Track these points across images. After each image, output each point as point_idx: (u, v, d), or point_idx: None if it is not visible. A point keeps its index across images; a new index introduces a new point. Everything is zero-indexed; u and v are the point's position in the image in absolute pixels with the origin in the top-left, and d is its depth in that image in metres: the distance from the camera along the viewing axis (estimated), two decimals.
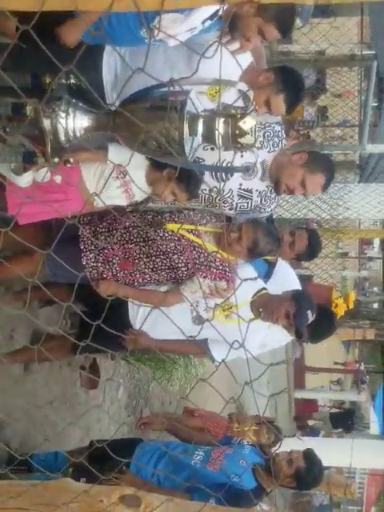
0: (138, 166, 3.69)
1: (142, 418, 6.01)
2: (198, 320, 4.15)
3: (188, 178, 3.62)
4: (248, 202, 4.17)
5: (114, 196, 3.75)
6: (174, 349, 4.80)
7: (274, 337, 4.53)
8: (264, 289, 4.30)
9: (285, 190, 4.14)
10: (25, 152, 2.99)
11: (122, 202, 3.78)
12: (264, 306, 4.20)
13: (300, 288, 4.69)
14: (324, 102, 10.94)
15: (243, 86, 3.69)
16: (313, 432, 16.61)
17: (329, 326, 4.78)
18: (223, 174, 4.04)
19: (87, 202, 3.74)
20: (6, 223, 3.82)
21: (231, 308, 4.09)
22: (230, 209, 4.18)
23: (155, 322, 4.21)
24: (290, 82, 3.94)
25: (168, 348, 4.66)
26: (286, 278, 4.71)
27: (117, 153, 3.53)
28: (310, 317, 4.18)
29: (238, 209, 4.17)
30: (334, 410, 19.12)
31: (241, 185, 4.10)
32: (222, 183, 4.04)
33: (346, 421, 16.68)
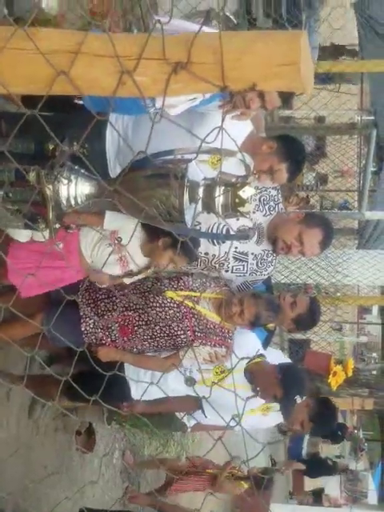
0: (133, 237, 3.71)
1: (127, 492, 6.04)
2: (190, 381, 4.14)
3: (185, 243, 3.65)
4: (244, 265, 4.17)
5: (108, 263, 3.78)
6: (170, 408, 4.78)
7: (264, 421, 4.53)
8: (261, 355, 4.28)
9: (282, 247, 4.11)
10: (27, 217, 3.02)
11: (117, 270, 3.78)
12: (255, 379, 4.21)
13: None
14: (325, 170, 11.05)
15: (243, 156, 3.74)
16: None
17: (332, 420, 4.83)
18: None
19: (86, 270, 3.77)
20: (3, 286, 3.86)
21: (224, 372, 4.08)
22: (226, 271, 4.18)
23: (150, 379, 4.23)
24: (292, 152, 4.00)
25: (163, 408, 4.64)
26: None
27: (112, 220, 3.56)
28: (299, 400, 4.22)
29: (233, 271, 4.18)
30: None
31: (236, 248, 4.11)
32: (218, 246, 4.06)
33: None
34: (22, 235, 3.37)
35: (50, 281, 3.67)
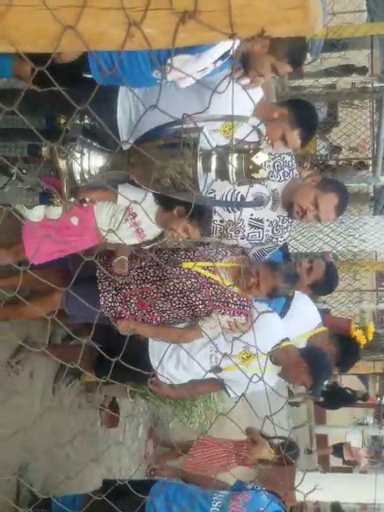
0: (147, 209, 3.73)
1: (150, 465, 6.09)
2: (216, 370, 4.16)
3: (199, 213, 3.65)
4: (259, 232, 4.18)
5: (125, 236, 3.79)
6: (194, 391, 4.83)
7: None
8: (286, 339, 4.28)
9: (298, 211, 4.11)
10: (41, 193, 3.03)
11: (134, 241, 3.81)
12: (282, 367, 4.23)
13: (320, 322, 4.72)
14: (338, 139, 10.97)
15: (255, 121, 3.73)
16: None
17: (354, 355, 4.85)
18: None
19: (100, 239, 3.80)
20: (24, 263, 3.89)
21: (250, 357, 4.10)
22: (242, 238, 4.18)
23: (176, 367, 4.25)
24: (304, 117, 3.99)
25: (188, 391, 4.68)
26: (304, 312, 4.71)
27: (126, 194, 3.58)
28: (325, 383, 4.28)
29: (249, 238, 4.18)
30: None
31: (252, 215, 4.11)
32: (233, 213, 4.06)
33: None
34: (34, 216, 3.38)
35: (65, 250, 3.71)
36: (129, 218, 3.77)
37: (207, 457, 6.12)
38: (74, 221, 3.71)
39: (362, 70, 11.51)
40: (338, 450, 16.87)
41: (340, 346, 4.66)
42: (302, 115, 4.01)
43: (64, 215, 3.42)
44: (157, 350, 4.32)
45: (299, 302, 4.68)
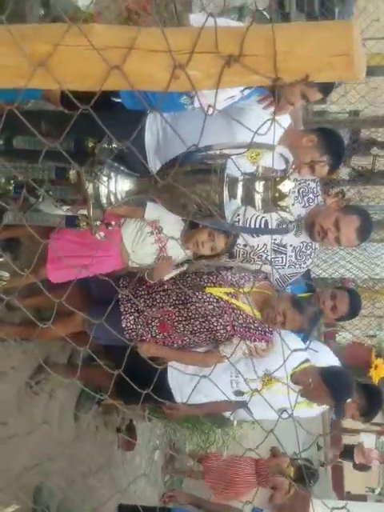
0: (173, 223, 3.75)
1: (166, 492, 6.04)
2: (238, 393, 4.15)
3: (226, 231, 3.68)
4: (283, 257, 4.17)
5: (148, 253, 3.80)
6: (210, 410, 4.80)
7: (310, 412, 4.54)
8: (307, 360, 4.26)
9: (319, 231, 4.08)
10: (67, 216, 3.04)
11: (155, 261, 3.82)
12: (303, 386, 4.21)
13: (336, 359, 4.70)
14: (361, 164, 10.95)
15: (282, 150, 3.73)
16: None
17: (379, 404, 4.82)
18: None
19: (124, 260, 3.81)
20: (43, 284, 3.89)
21: (271, 380, 4.08)
22: (265, 263, 4.17)
23: (196, 391, 4.23)
24: (333, 145, 3.98)
25: (204, 411, 4.66)
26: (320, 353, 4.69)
27: (153, 209, 3.60)
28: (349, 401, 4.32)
29: (272, 264, 4.17)
30: None
31: (275, 239, 4.11)
32: (257, 238, 4.06)
33: None
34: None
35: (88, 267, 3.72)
36: (154, 232, 3.80)
37: (228, 470, 6.10)
38: (100, 235, 3.72)
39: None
40: (349, 452, 16.50)
41: (364, 396, 4.62)
42: (331, 143, 4.00)
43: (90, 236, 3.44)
44: (176, 375, 4.31)
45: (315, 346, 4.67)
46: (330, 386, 4.12)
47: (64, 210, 3.06)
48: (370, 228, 4.27)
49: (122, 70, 1.63)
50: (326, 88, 3.62)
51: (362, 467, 16.30)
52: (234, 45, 1.56)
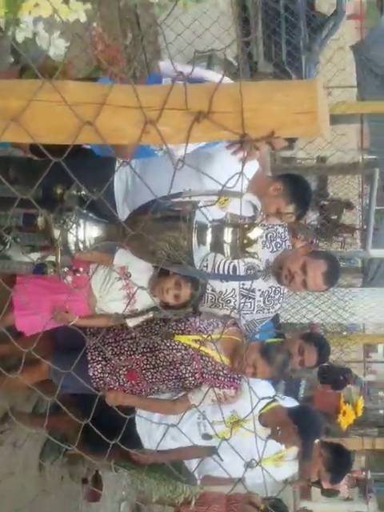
0: (142, 270, 3.75)
1: None
2: (206, 437, 4.12)
3: (194, 279, 3.68)
4: (251, 302, 4.18)
5: (116, 298, 3.78)
6: (179, 457, 4.74)
7: (277, 473, 4.48)
8: (274, 400, 4.25)
9: (286, 275, 4.10)
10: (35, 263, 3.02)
11: (122, 308, 3.79)
12: (271, 426, 4.19)
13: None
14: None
15: (251, 197, 3.76)
16: None
17: (347, 464, 4.81)
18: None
19: (90, 307, 3.78)
20: (11, 332, 3.84)
21: (238, 422, 4.06)
22: (234, 309, 4.17)
23: (164, 437, 4.19)
24: (299, 193, 4.03)
25: (175, 456, 4.61)
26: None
27: (122, 255, 3.59)
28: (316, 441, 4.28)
29: (241, 309, 4.17)
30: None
31: (243, 284, 4.12)
32: (225, 283, 4.07)
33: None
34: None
35: (52, 323, 3.69)
36: (123, 278, 3.79)
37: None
38: (68, 280, 3.69)
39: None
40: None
41: (331, 458, 4.60)
42: (297, 190, 4.05)
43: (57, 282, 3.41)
44: (144, 421, 4.26)
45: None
46: (298, 423, 4.11)
47: (32, 257, 3.04)
48: (337, 273, 4.30)
49: (94, 126, 1.69)
50: (292, 137, 3.67)
51: (331, 493, 16.05)
52: (203, 102, 1.62)
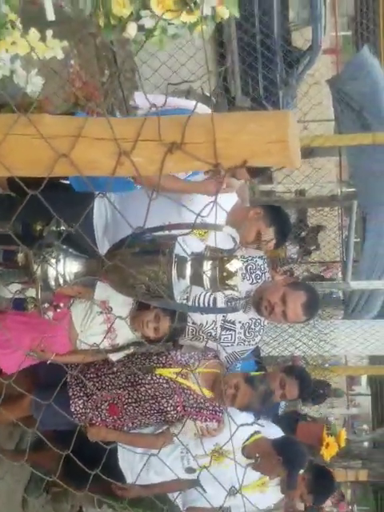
0: (123, 304, 3.75)
1: None
2: (190, 471, 4.11)
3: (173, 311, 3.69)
4: (232, 335, 4.18)
5: (96, 333, 3.78)
6: (162, 491, 4.72)
7: (263, 500, 4.45)
8: (257, 432, 4.24)
9: (266, 306, 4.10)
10: (15, 299, 3.02)
11: (103, 343, 3.79)
12: (259, 457, 4.18)
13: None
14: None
15: (230, 230, 3.79)
16: None
17: (330, 488, 4.79)
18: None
19: (72, 342, 3.77)
20: None
21: (222, 454, 4.05)
22: (214, 341, 4.18)
23: (147, 471, 4.18)
24: (278, 219, 4.07)
25: (158, 490, 4.58)
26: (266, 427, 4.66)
27: (103, 289, 3.59)
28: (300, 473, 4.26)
29: (222, 341, 4.17)
30: None
31: (224, 317, 4.13)
32: (205, 316, 4.08)
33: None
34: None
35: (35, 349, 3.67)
36: (104, 312, 3.79)
37: None
38: (49, 315, 3.69)
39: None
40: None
41: (313, 480, 4.59)
42: (277, 215, 4.11)
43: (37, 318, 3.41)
44: (126, 455, 4.25)
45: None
46: (281, 454, 4.11)
47: (13, 291, 3.04)
48: (316, 304, 4.32)
49: (69, 158, 1.71)
50: (255, 171, 3.73)
51: None
52: (176, 133, 1.65)
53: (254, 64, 9.69)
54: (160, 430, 4.17)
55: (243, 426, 3.99)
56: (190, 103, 3.50)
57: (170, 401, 4.02)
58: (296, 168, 1.75)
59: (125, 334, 3.84)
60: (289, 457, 4.14)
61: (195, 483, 4.26)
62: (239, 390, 3.97)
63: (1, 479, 4.76)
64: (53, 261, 2.92)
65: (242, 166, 1.64)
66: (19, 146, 1.75)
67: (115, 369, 4.08)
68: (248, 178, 3.96)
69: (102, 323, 3.82)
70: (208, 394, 4.03)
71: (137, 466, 4.25)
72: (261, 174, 3.94)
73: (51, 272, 2.92)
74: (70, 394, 4.07)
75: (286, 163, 1.69)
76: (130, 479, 4.30)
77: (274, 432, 4.57)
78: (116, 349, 3.89)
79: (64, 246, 3.02)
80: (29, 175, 1.81)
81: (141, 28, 3.26)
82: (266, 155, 1.66)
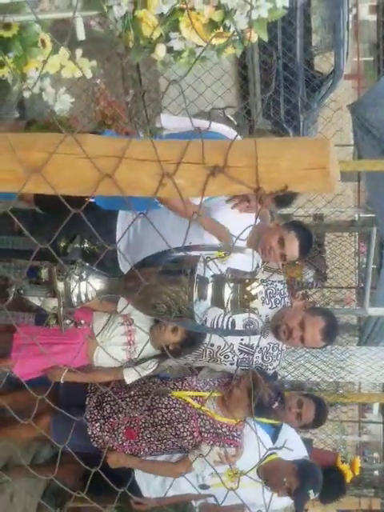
0: (145, 318, 3.76)
1: None
2: (204, 487, 4.09)
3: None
4: (249, 358, 4.17)
5: (116, 343, 3.78)
6: (178, 501, 4.71)
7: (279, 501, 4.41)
8: (273, 453, 4.22)
9: (284, 330, 4.14)
10: (37, 315, 3.04)
11: (122, 355, 3.79)
12: (270, 475, 4.14)
13: (306, 455, 4.62)
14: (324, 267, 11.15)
15: (252, 252, 3.79)
16: None
17: (339, 487, 4.72)
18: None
19: (89, 357, 3.78)
20: (11, 384, 3.83)
21: (237, 474, 4.02)
22: (231, 364, 4.17)
23: (162, 485, 4.18)
24: (299, 226, 4.10)
25: (174, 501, 4.58)
26: (291, 444, 4.63)
27: (125, 303, 3.61)
28: (312, 495, 4.21)
29: (239, 365, 4.17)
30: None
31: (242, 340, 4.13)
32: (223, 338, 4.08)
33: None
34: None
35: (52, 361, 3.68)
36: (125, 324, 3.79)
37: None
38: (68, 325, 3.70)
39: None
40: None
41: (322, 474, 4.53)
42: (297, 225, 4.12)
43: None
44: (146, 481, 4.27)
45: (287, 433, 4.61)
46: (298, 467, 4.14)
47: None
48: (335, 330, 4.32)
49: (113, 178, 1.74)
50: (282, 201, 3.75)
51: None
52: (218, 156, 1.67)
53: (277, 87, 9.72)
54: (177, 458, 4.16)
55: (255, 446, 3.97)
56: (222, 127, 3.53)
57: (187, 426, 4.01)
58: (334, 192, 1.76)
59: (144, 349, 3.84)
60: (304, 470, 4.16)
61: (210, 495, 4.25)
62: (241, 381, 3.97)
63: (15, 499, 4.76)
64: (76, 277, 2.93)
65: (284, 190, 1.66)
66: (64, 165, 1.78)
67: (132, 392, 4.09)
68: (273, 207, 3.98)
69: (122, 335, 3.83)
70: (224, 418, 4.01)
71: (153, 481, 4.26)
72: (288, 203, 3.96)
73: (74, 289, 2.94)
74: (88, 416, 4.07)
75: (325, 189, 1.71)
76: (146, 493, 4.29)
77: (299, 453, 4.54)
78: (134, 363, 3.88)
79: (87, 264, 3.03)
80: (73, 194, 1.84)
81: (169, 50, 3.29)
82: (306, 181, 1.68)
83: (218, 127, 3.52)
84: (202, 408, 4.00)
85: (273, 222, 4.42)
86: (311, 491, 4.16)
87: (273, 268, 4.29)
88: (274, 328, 4.18)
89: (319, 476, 4.29)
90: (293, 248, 4.07)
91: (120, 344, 3.82)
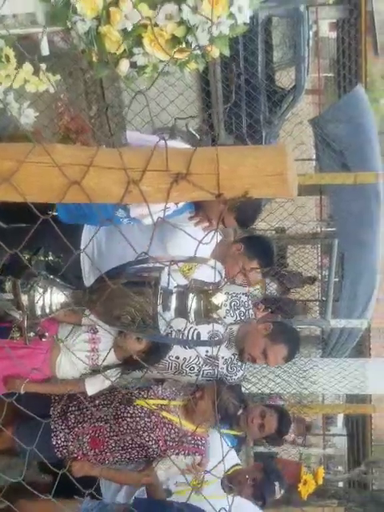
0: (109, 328, 3.77)
1: None
2: (168, 493, 4.10)
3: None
4: (214, 369, 4.21)
5: (78, 349, 3.77)
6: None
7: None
8: (237, 464, 4.26)
9: (248, 358, 4.20)
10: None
11: (85, 360, 3.79)
12: (233, 480, 4.18)
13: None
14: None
15: (215, 263, 3.83)
16: None
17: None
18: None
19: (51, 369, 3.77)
20: None
21: (202, 483, 4.04)
22: (197, 375, 4.20)
23: (126, 492, 4.18)
24: (260, 248, 4.13)
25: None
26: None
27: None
28: (278, 491, 4.21)
29: (204, 376, 4.21)
30: None
31: (207, 351, 4.16)
32: (189, 350, 4.11)
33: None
34: None
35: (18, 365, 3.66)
36: (89, 332, 3.79)
37: None
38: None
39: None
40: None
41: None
42: (258, 246, 4.16)
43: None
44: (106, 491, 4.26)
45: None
46: (263, 462, 4.15)
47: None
48: (296, 350, 4.39)
49: (81, 185, 1.80)
50: (244, 220, 3.79)
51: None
52: (181, 164, 1.74)
53: (239, 102, 9.80)
54: (142, 468, 4.16)
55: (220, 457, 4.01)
56: (179, 145, 3.57)
57: (152, 434, 4.01)
58: (292, 199, 1.83)
59: (107, 357, 3.84)
60: (268, 465, 4.25)
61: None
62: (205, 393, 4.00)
63: None
64: (40, 290, 2.94)
65: (243, 197, 1.72)
66: (33, 173, 1.84)
67: (97, 402, 4.08)
68: (235, 226, 4.03)
69: (86, 342, 3.82)
70: (190, 426, 4.04)
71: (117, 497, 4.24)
72: (250, 222, 4.01)
73: (38, 301, 2.95)
74: (52, 427, 4.06)
75: (284, 194, 1.81)
76: (108, 500, 4.27)
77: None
78: (95, 370, 3.87)
79: (51, 276, 3.04)
80: (42, 201, 1.89)
81: (133, 65, 3.33)
82: (265, 187, 1.75)
83: (176, 144, 3.56)
84: (168, 416, 4.02)
85: (235, 238, 4.46)
86: (277, 484, 4.20)
87: (237, 281, 4.33)
88: (239, 352, 4.23)
89: (283, 475, 4.35)
90: (254, 266, 4.12)
91: (83, 350, 3.81)
